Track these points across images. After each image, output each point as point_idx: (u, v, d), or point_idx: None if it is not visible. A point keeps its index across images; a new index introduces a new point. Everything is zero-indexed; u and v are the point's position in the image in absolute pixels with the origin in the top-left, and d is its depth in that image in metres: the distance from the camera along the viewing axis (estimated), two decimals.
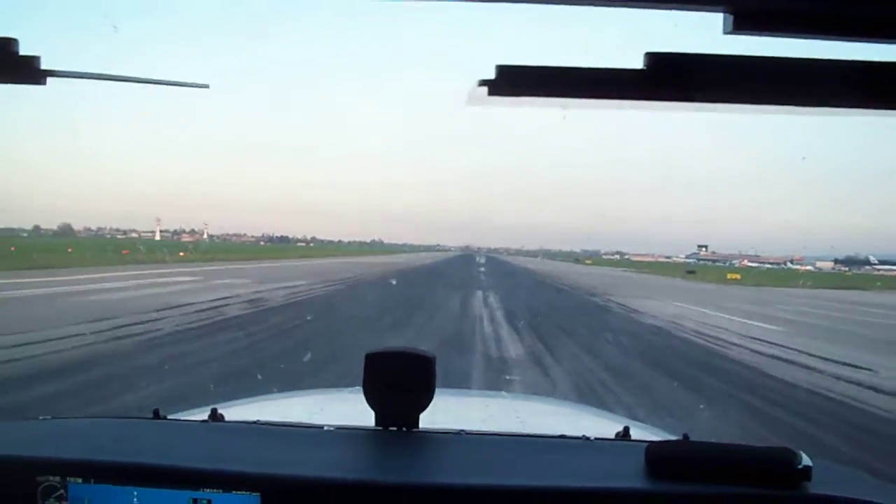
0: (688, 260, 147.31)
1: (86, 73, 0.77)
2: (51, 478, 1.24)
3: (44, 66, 0.75)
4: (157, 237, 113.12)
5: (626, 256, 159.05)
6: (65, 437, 1.44)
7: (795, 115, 0.73)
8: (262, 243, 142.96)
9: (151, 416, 1.63)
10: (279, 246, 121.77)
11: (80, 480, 1.24)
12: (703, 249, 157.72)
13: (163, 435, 1.50)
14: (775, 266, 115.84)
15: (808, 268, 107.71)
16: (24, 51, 0.74)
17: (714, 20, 0.70)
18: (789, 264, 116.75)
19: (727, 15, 0.69)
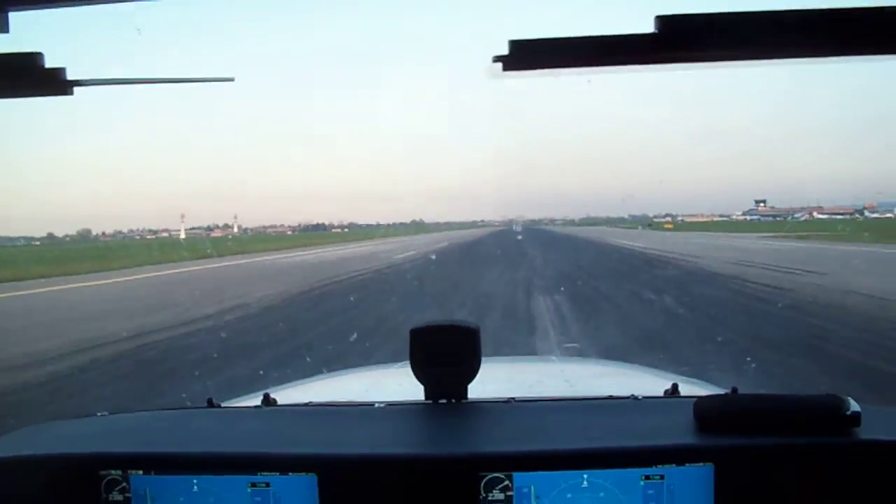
0: (746, 217, 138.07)
1: (110, 80, 0.81)
2: (113, 472, 1.28)
3: (69, 76, 0.77)
4: (183, 235, 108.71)
5: (680, 219, 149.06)
6: (123, 432, 1.49)
7: (816, 64, 0.74)
8: (289, 232, 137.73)
9: (206, 405, 1.66)
10: (313, 234, 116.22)
11: (140, 472, 1.28)
12: (762, 205, 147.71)
13: (218, 423, 1.53)
14: (842, 217, 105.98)
15: (874, 216, 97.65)
16: (49, 63, 0.77)
17: None
18: (867, 213, 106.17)
19: None
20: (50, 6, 0.79)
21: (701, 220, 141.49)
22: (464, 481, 1.23)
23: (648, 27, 0.71)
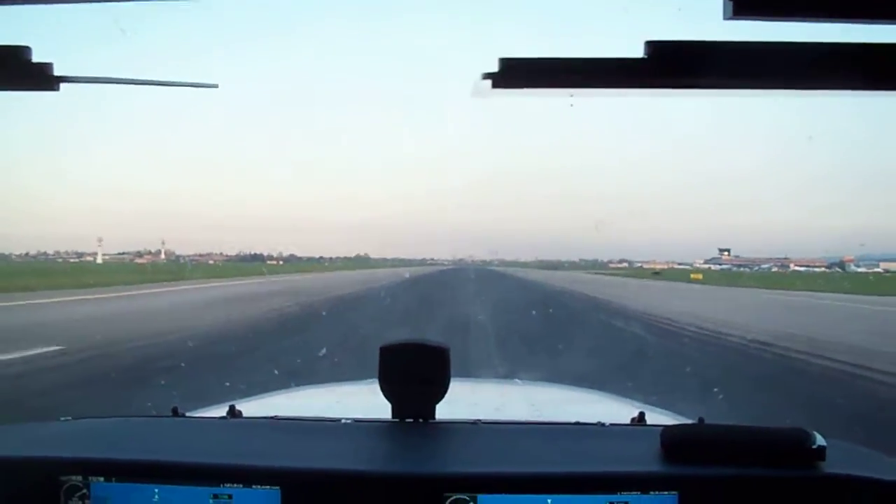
0: (707, 266, 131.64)
1: (97, 78, 0.81)
2: (73, 477, 1.27)
3: (56, 72, 0.77)
4: (100, 259, 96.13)
5: (637, 265, 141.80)
6: (86, 437, 1.48)
7: (805, 97, 0.77)
8: (212, 262, 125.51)
9: (170, 414, 1.67)
10: (240, 265, 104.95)
11: (102, 479, 1.27)
12: (726, 254, 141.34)
13: (182, 432, 1.54)
14: (814, 269, 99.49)
15: (860, 270, 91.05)
16: (36, 58, 0.77)
17: (714, 6, 0.71)
18: (851, 266, 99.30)
19: (727, 1, 0.70)
20: (36, 3, 0.79)
21: (659, 267, 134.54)
22: (428, 501, 1.24)
23: (638, 51, 0.73)
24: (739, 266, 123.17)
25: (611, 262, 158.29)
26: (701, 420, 1.52)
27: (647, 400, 2.78)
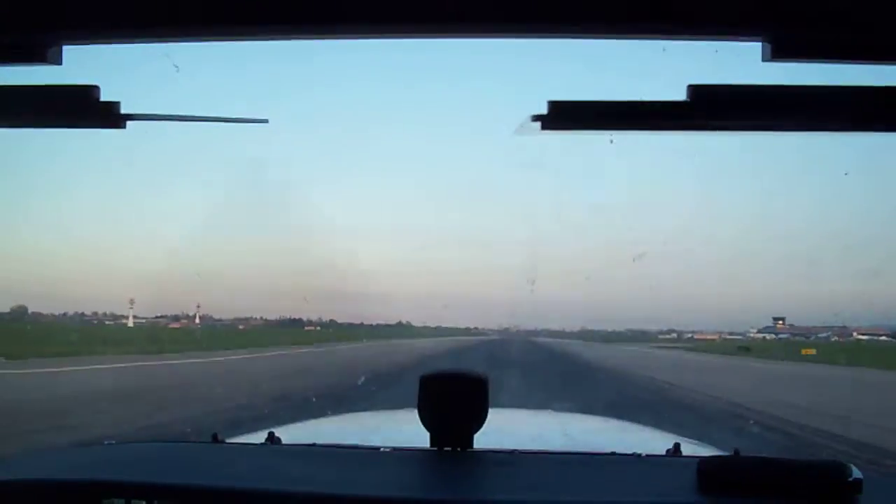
0: (762, 335, 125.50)
1: (161, 116, 0.84)
2: (115, 501, 1.27)
3: (123, 109, 0.81)
4: (130, 323, 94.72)
5: (688, 335, 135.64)
6: (128, 461, 1.52)
7: (850, 137, 0.77)
8: (253, 328, 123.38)
9: (210, 440, 1.69)
10: (279, 331, 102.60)
11: (143, 503, 1.27)
12: (780, 322, 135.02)
13: (222, 458, 1.56)
14: (878, 338, 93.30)
15: None
16: (104, 97, 0.80)
17: (753, 49, 0.73)
18: None
19: (765, 44, 0.72)
20: (101, 42, 0.84)
21: (710, 338, 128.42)
22: None
23: (681, 93, 0.74)
24: (795, 335, 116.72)
25: (659, 332, 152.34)
26: (737, 452, 1.51)
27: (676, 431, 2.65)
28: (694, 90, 0.73)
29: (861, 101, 0.72)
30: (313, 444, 1.64)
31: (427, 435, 1.55)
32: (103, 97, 0.79)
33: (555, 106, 0.74)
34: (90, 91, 0.78)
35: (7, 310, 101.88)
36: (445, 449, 1.53)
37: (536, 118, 0.74)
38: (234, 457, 1.56)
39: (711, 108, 0.73)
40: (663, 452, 1.67)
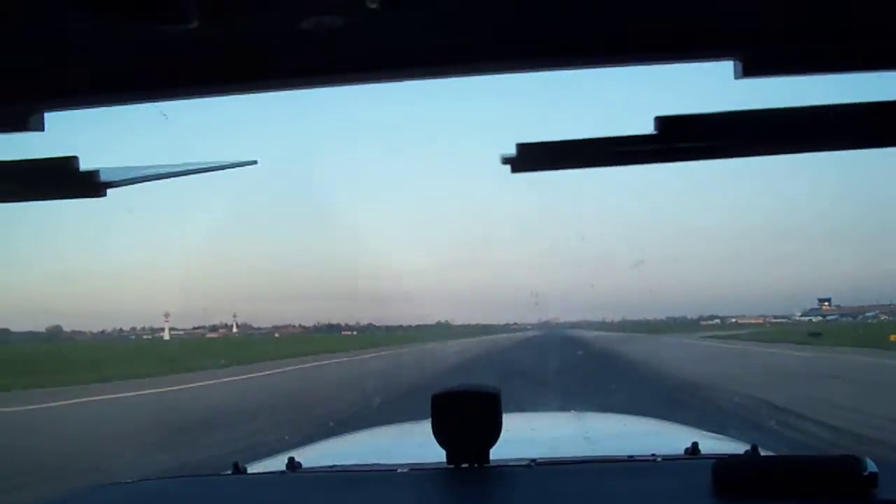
0: (807, 318, 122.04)
1: (140, 178, 0.83)
2: None
3: (102, 177, 0.80)
4: (166, 336, 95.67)
5: (731, 320, 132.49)
6: (154, 498, 1.53)
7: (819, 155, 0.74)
8: (290, 335, 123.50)
9: (231, 470, 1.71)
10: (316, 337, 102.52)
11: None
12: (826, 304, 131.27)
13: (242, 491, 1.59)
14: None
15: None
16: (83, 165, 0.79)
17: (724, 68, 0.73)
18: None
19: (737, 62, 0.72)
20: (84, 107, 0.85)
21: (754, 322, 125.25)
22: None
23: (649, 123, 0.74)
24: (843, 316, 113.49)
25: (700, 318, 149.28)
26: (754, 447, 1.55)
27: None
28: (661, 121, 0.72)
29: (834, 119, 0.72)
30: (332, 467, 1.69)
31: (443, 450, 1.56)
32: (85, 162, 0.78)
33: (522, 148, 0.73)
34: (69, 162, 0.76)
35: (43, 329, 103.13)
36: (462, 465, 1.55)
37: (506, 161, 0.73)
38: (256, 488, 1.58)
39: (680, 138, 0.73)
40: (681, 452, 1.70)
